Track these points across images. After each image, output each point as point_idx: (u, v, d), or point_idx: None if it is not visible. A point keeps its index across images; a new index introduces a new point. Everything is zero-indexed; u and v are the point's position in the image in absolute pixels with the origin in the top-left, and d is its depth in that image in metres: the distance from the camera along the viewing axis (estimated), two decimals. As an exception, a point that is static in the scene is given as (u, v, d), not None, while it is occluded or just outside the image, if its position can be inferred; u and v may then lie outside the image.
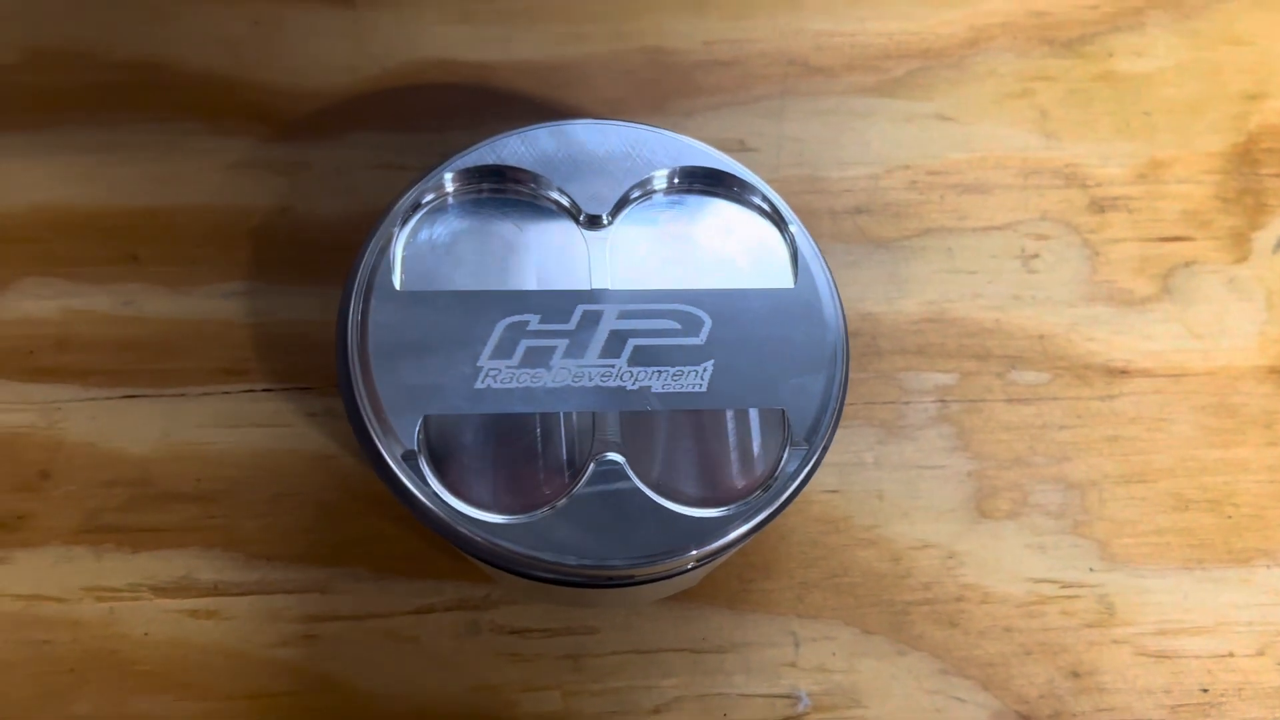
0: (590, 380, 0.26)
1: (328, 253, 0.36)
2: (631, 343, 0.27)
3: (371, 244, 0.27)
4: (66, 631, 0.32)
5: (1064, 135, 0.38)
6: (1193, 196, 0.38)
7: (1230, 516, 0.34)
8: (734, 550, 0.27)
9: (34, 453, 0.33)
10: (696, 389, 0.27)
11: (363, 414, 0.26)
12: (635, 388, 0.26)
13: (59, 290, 0.35)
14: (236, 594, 0.32)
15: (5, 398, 0.34)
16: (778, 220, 0.29)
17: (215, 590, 0.33)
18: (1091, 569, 0.34)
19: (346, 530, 0.33)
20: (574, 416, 0.26)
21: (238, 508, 0.33)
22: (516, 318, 0.27)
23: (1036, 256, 0.37)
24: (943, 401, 0.35)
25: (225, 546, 0.33)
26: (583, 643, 0.33)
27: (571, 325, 0.27)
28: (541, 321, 0.27)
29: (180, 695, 0.32)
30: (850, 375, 0.30)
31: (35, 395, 0.34)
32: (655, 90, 0.37)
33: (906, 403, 0.35)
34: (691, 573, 0.28)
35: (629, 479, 0.26)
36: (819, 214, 0.37)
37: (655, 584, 0.27)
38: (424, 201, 0.28)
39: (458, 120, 0.36)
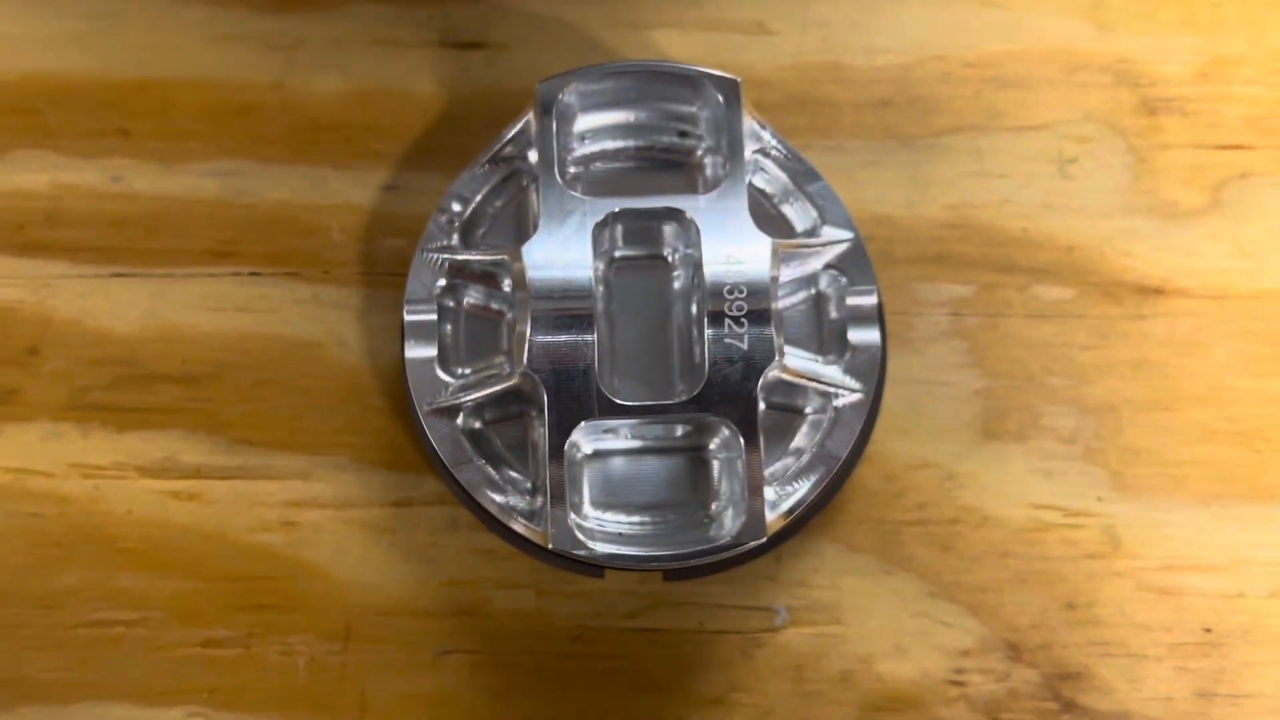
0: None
1: (321, 132, 0.35)
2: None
3: None
4: (54, 506, 0.33)
5: (1119, 26, 0.36)
6: (1260, 101, 0.36)
7: (1260, 451, 0.33)
8: None
9: (22, 328, 0.34)
10: None
11: None
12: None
13: (49, 163, 0.36)
14: (218, 478, 0.33)
15: (-5, 271, 0.33)
16: None
17: (198, 473, 0.33)
18: (1100, 498, 0.33)
19: (328, 420, 0.33)
20: None
21: (222, 392, 0.34)
22: None
23: (1074, 161, 0.35)
24: (956, 314, 0.34)
25: (209, 430, 0.33)
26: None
27: None
28: None
29: (162, 574, 0.32)
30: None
31: (25, 270, 0.34)
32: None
33: (917, 314, 0.34)
34: None
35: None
36: (840, 106, 0.36)
37: None
38: None
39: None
